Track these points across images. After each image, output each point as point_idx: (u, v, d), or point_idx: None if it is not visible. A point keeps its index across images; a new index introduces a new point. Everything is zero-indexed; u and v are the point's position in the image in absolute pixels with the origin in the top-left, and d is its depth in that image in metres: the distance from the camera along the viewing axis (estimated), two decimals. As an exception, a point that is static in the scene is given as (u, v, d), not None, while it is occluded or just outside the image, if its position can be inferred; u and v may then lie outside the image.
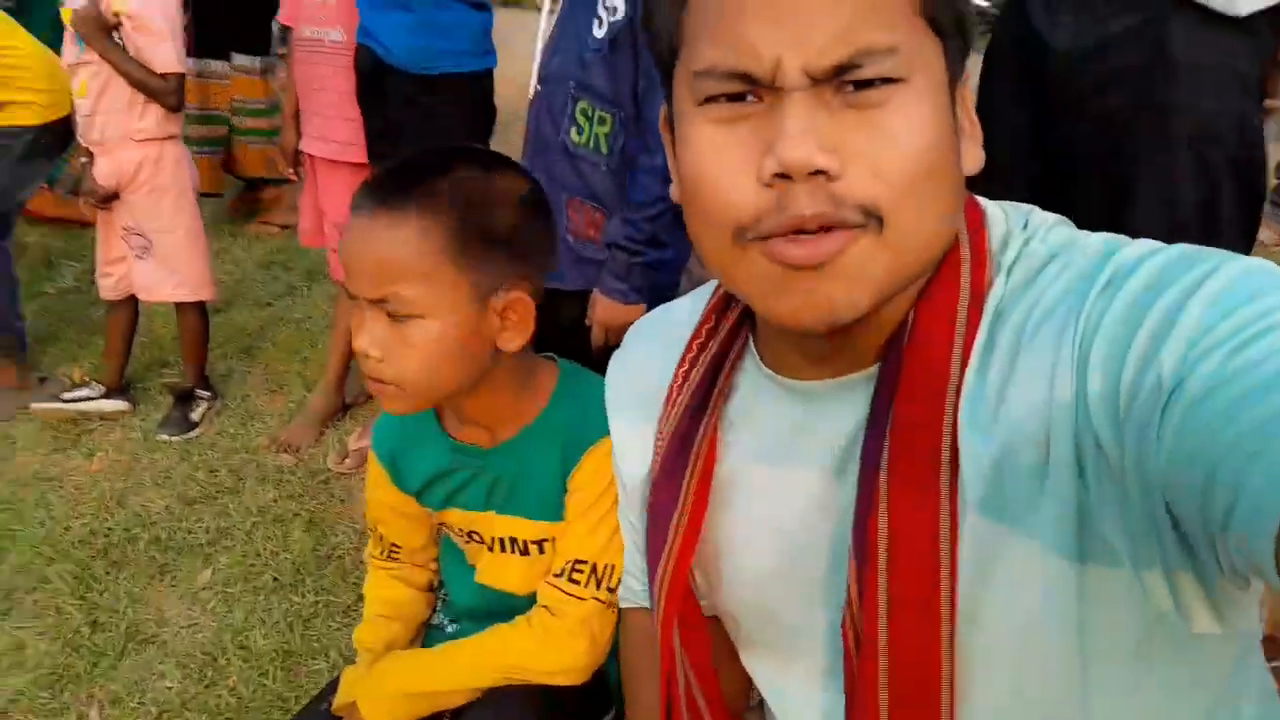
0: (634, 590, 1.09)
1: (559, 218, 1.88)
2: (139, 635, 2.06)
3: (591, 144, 1.82)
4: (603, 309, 1.79)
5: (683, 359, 0.88)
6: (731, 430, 0.84)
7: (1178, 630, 0.64)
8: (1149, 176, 1.63)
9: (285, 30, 2.98)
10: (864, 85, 0.63)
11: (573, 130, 1.85)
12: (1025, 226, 0.74)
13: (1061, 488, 0.65)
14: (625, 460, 0.99)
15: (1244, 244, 1.67)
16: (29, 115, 2.90)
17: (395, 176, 1.16)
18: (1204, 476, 0.52)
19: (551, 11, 2.44)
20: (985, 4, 6.41)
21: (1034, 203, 0.77)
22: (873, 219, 0.64)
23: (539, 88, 1.98)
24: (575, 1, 1.82)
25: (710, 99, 0.67)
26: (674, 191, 0.76)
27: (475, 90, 2.49)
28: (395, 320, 1.09)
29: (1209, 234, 1.60)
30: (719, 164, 0.67)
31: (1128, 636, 0.68)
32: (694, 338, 0.87)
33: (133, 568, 2.27)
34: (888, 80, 0.63)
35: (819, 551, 0.79)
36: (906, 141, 0.64)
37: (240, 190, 4.71)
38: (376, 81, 2.49)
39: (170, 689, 1.92)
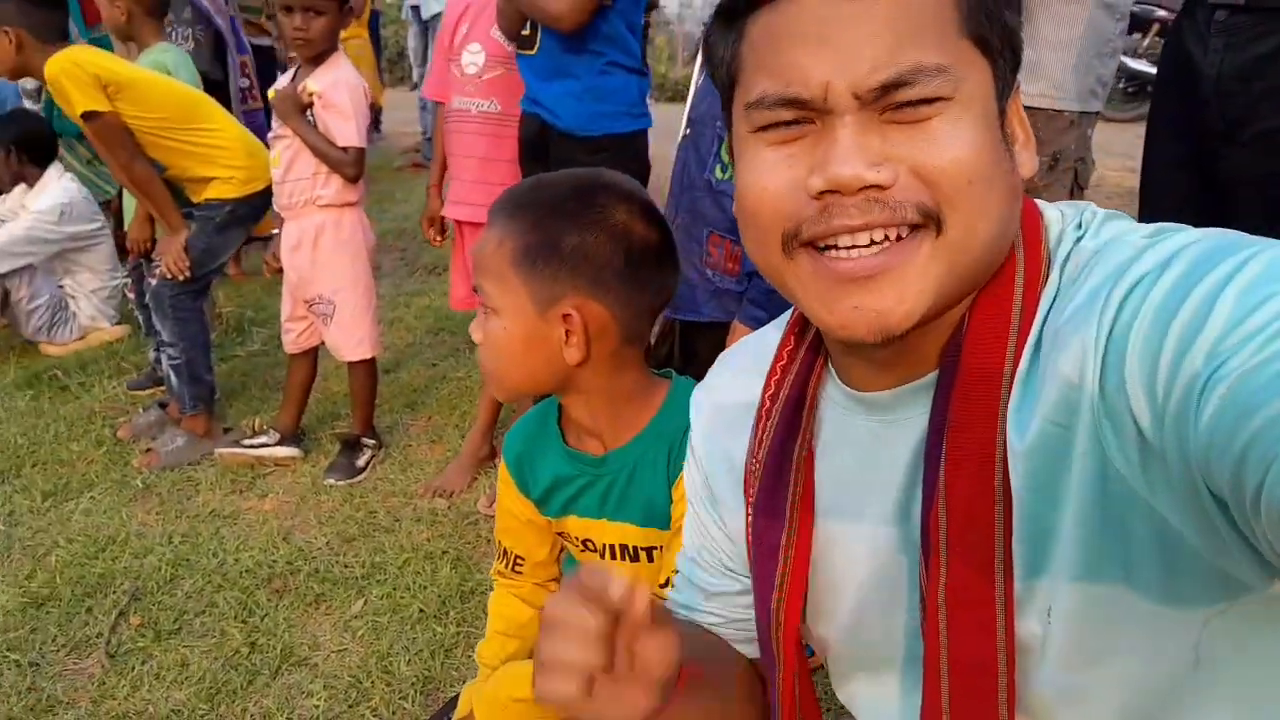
0: (687, 605, 1.04)
1: (699, 251, 1.93)
2: (292, 657, 2.15)
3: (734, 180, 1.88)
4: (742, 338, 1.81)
5: (768, 381, 0.89)
6: (821, 455, 0.85)
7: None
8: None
9: (429, 104, 3.18)
10: (911, 104, 0.66)
11: (717, 168, 1.92)
12: (1079, 225, 0.74)
13: (1086, 474, 0.65)
14: (715, 466, 0.97)
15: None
16: (229, 189, 3.16)
17: (517, 188, 1.29)
18: (1235, 460, 0.52)
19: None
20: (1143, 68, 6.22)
21: None
22: (931, 219, 0.66)
23: (688, 130, 2.06)
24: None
25: (765, 126, 0.71)
26: (735, 211, 0.78)
27: (631, 147, 2.61)
28: (486, 312, 1.22)
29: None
30: (772, 179, 0.70)
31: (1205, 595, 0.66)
32: (776, 360, 0.89)
33: (292, 596, 2.38)
34: (933, 99, 0.66)
35: (898, 559, 0.79)
36: (957, 149, 0.66)
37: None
38: (541, 146, 2.63)
39: (317, 707, 1.99)
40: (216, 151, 3.14)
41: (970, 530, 0.69)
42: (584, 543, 1.38)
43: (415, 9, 7.60)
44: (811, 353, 0.86)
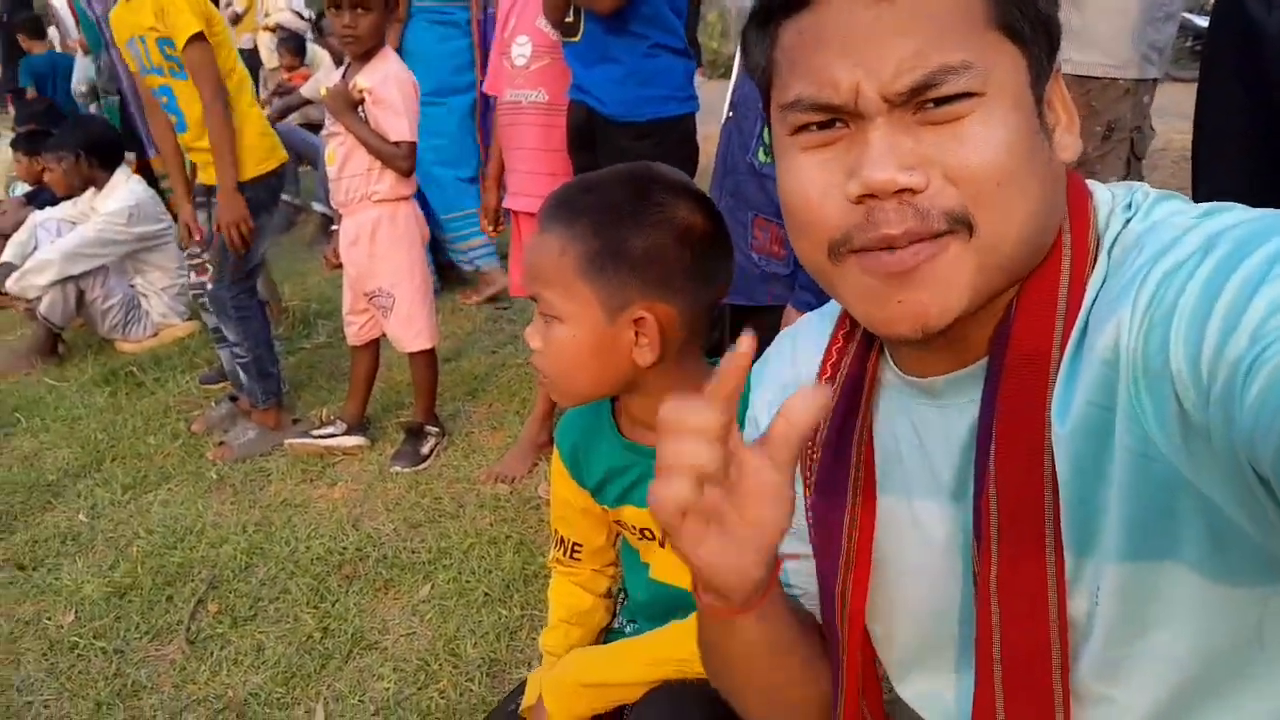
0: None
1: (745, 235, 1.93)
2: (363, 641, 2.22)
3: None
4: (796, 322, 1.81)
5: (823, 365, 0.89)
6: (877, 439, 0.85)
7: None
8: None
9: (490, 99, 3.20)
10: (942, 102, 0.66)
11: (760, 150, 1.91)
12: (1129, 206, 0.73)
13: (1127, 454, 0.65)
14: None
15: None
16: (243, 170, 3.11)
17: (565, 191, 1.26)
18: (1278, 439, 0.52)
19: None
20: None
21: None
22: (961, 224, 0.67)
23: (730, 113, 2.06)
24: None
25: (800, 129, 0.71)
26: (783, 212, 0.78)
27: (679, 132, 2.61)
28: (546, 319, 1.19)
29: None
30: (811, 186, 0.71)
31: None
32: (832, 342, 0.89)
33: (362, 582, 2.46)
34: (964, 95, 0.66)
35: (952, 544, 0.80)
36: (986, 150, 0.66)
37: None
38: (588, 132, 2.65)
39: (387, 689, 2.05)
40: (245, 125, 3.15)
41: (1021, 515, 0.70)
42: (641, 531, 1.40)
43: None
44: (867, 338, 0.87)
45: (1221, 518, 0.63)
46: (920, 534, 0.82)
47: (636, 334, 1.18)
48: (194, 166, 3.33)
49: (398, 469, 3.03)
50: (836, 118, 0.69)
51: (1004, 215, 0.67)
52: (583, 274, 1.16)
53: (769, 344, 1.03)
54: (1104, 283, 0.70)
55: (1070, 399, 0.68)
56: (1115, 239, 0.71)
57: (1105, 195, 0.75)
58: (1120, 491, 0.66)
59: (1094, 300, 0.70)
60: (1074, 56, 2.01)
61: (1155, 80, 2.08)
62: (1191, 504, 0.64)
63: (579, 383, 1.22)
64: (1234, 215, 0.65)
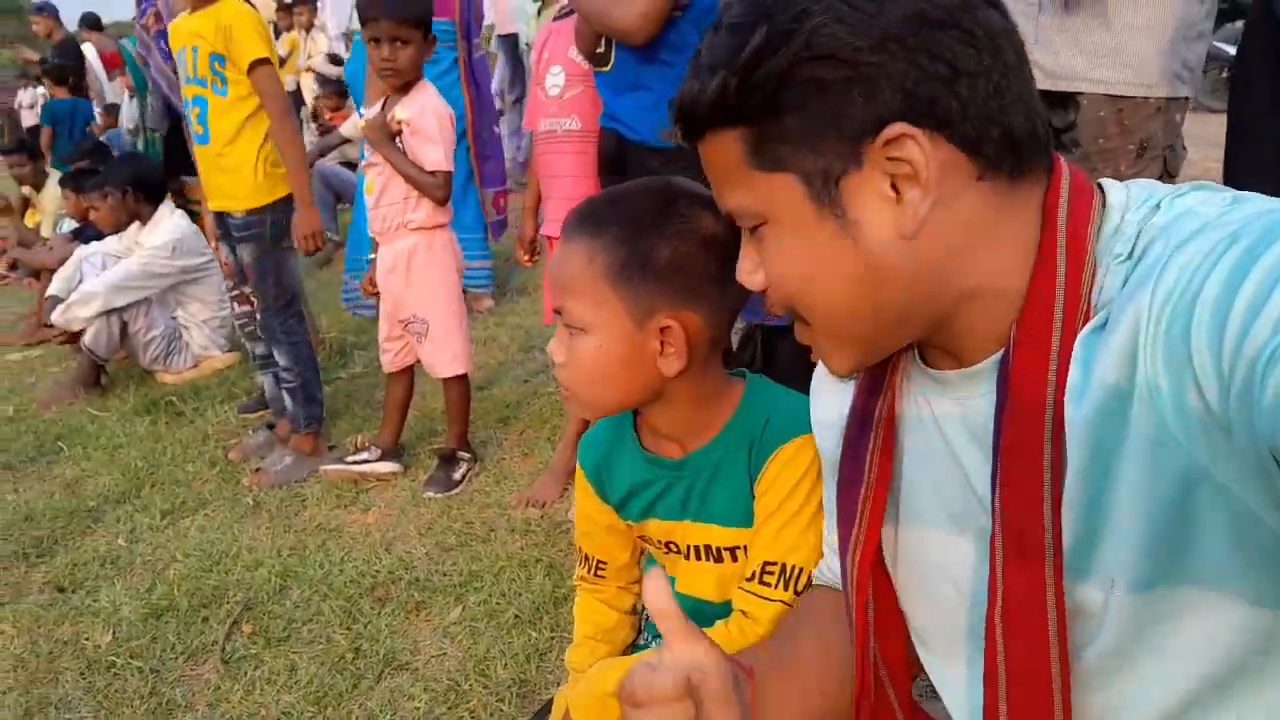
0: (832, 569, 1.09)
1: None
2: (395, 662, 2.22)
3: None
4: None
5: None
6: (901, 429, 0.88)
7: None
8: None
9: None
10: (753, 229, 0.80)
11: None
12: (1150, 198, 0.74)
13: (1142, 443, 0.66)
14: (822, 437, 1.04)
15: None
16: (259, 195, 3.22)
17: (591, 203, 1.27)
18: None
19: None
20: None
21: None
22: (797, 316, 0.81)
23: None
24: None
25: None
26: None
27: None
28: (571, 331, 1.20)
29: None
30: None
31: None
32: None
33: (394, 604, 2.47)
34: (757, 226, 0.79)
35: (967, 536, 0.81)
36: (777, 265, 0.78)
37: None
38: (619, 159, 2.68)
39: (418, 710, 2.05)
40: (259, 155, 3.22)
41: (1025, 508, 0.71)
42: (667, 545, 1.39)
43: (504, 39, 7.78)
44: None
45: (1243, 510, 0.62)
46: (941, 529, 0.84)
47: (662, 343, 1.19)
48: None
49: (430, 494, 3.05)
50: None
51: (817, 308, 0.78)
52: (610, 283, 1.17)
53: (801, 360, 1.05)
54: (1129, 275, 0.70)
55: (1087, 384, 0.68)
56: (1139, 231, 0.71)
57: (1119, 194, 0.75)
58: (1135, 482, 0.66)
59: (1118, 290, 0.69)
60: (1105, 76, 2.01)
61: (1186, 99, 2.08)
62: (1210, 495, 0.63)
63: (605, 394, 1.22)
64: (1260, 204, 0.66)
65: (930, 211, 0.70)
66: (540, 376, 3.98)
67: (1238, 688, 0.69)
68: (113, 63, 7.38)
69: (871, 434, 0.87)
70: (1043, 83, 2.03)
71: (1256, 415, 0.55)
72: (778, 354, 2.00)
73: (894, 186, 0.71)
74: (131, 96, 7.04)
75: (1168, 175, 2.10)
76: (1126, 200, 0.74)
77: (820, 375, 1.03)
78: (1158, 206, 0.72)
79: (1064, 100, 2.08)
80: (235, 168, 3.19)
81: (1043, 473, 0.70)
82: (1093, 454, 0.68)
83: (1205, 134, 4.28)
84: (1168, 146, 2.08)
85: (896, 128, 0.68)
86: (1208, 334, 0.59)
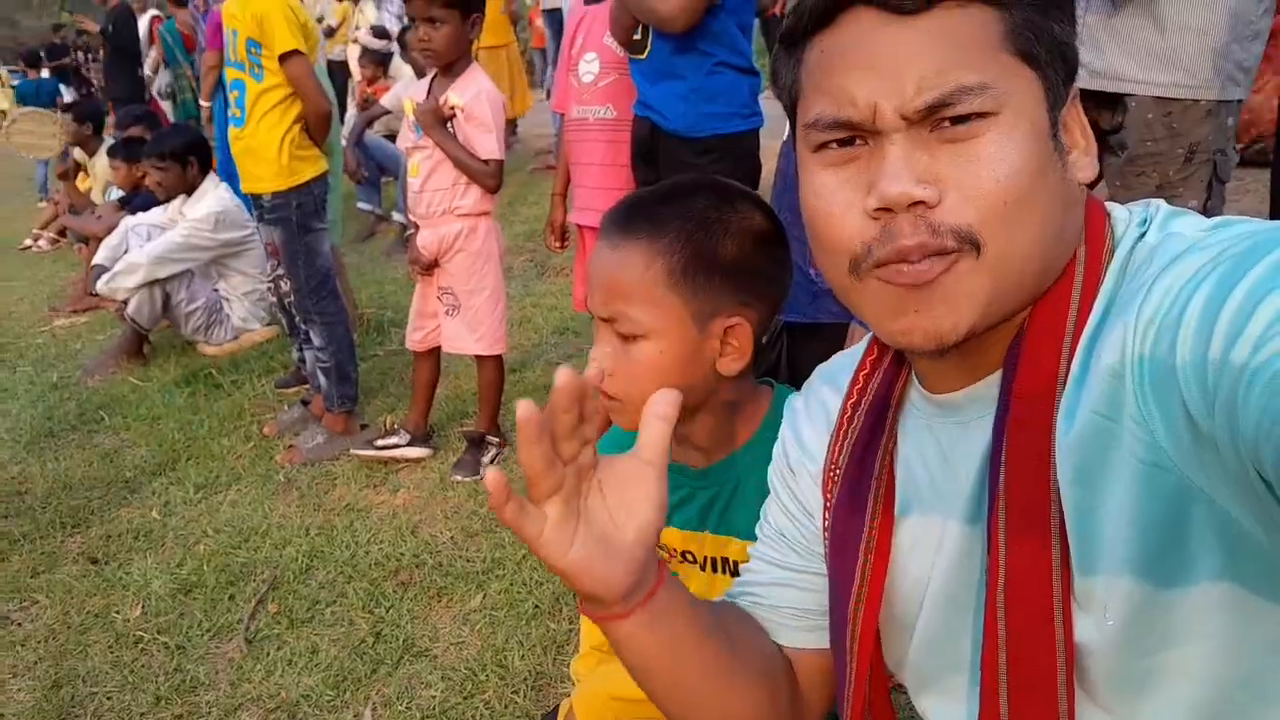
0: (752, 584, 1.01)
1: (803, 252, 1.91)
2: (414, 648, 2.24)
3: None
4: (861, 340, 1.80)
5: (850, 390, 0.91)
6: (901, 461, 0.86)
7: None
8: None
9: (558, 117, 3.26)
10: (958, 121, 0.68)
11: None
12: (1143, 222, 0.74)
13: (1134, 464, 0.64)
14: (800, 469, 0.99)
15: None
16: (284, 178, 3.26)
17: (636, 204, 1.24)
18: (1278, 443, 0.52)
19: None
20: None
21: None
22: (968, 244, 0.68)
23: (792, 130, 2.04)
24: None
25: (821, 146, 0.74)
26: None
27: (741, 148, 2.60)
28: (623, 339, 1.16)
29: None
30: (831, 203, 0.73)
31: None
32: (859, 369, 0.91)
33: (416, 589, 2.48)
34: (980, 115, 0.67)
35: (968, 562, 0.79)
36: (999, 169, 0.67)
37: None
38: (651, 148, 2.65)
39: (434, 697, 2.07)
40: (285, 139, 3.25)
41: (1028, 531, 0.70)
42: (684, 554, 1.38)
43: (550, 13, 7.75)
44: (896, 362, 0.88)
45: (1237, 530, 0.62)
46: (943, 556, 0.82)
47: (723, 343, 1.17)
48: None
49: (458, 478, 3.06)
50: (856, 135, 0.71)
51: (1011, 234, 0.68)
52: (672, 285, 1.15)
53: (826, 359, 1.03)
54: (1113, 297, 0.70)
55: (1076, 408, 0.68)
56: (1130, 253, 0.72)
57: (1122, 214, 0.76)
58: (1128, 502, 0.66)
59: (1104, 312, 0.70)
60: (1156, 78, 1.95)
61: (1240, 101, 2.00)
62: (1204, 516, 0.63)
63: None
64: (1244, 227, 0.66)
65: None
66: (573, 360, 3.97)
67: (1252, 711, 0.68)
68: (189, 43, 7.65)
69: (874, 479, 0.85)
70: (1089, 82, 1.97)
71: (1239, 433, 0.55)
72: (802, 355, 1.98)
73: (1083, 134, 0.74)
74: (165, 66, 7.94)
75: (1217, 181, 2.03)
76: (1129, 220, 0.75)
77: (804, 410, 1.00)
78: (1145, 230, 0.73)
79: (1111, 101, 2.02)
80: (261, 149, 3.22)
81: (1049, 495, 0.69)
82: (1081, 476, 0.68)
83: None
84: (1218, 151, 2.01)
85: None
86: (1191, 353, 0.59)
